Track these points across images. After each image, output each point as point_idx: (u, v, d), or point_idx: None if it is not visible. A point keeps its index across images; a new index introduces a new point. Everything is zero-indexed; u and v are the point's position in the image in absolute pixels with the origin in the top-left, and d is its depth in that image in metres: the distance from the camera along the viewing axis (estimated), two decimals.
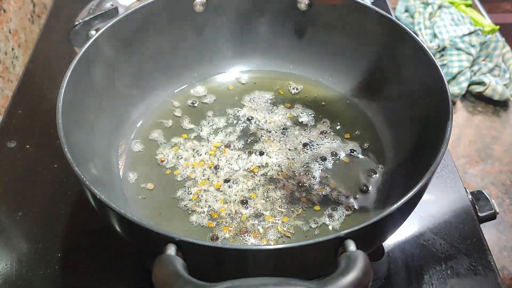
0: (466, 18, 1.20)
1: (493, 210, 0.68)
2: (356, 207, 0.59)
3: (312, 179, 0.62)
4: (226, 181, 0.61)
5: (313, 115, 0.70)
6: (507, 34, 1.21)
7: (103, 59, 0.62)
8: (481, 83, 1.08)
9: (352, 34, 0.69)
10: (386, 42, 0.65)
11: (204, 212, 0.58)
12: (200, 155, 0.65)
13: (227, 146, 0.66)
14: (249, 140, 0.67)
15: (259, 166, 0.63)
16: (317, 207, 0.59)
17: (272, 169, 0.63)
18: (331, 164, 0.64)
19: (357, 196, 0.60)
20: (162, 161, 0.64)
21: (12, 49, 0.91)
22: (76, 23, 0.81)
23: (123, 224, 0.45)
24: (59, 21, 0.97)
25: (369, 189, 0.61)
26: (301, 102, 0.72)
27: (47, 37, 0.93)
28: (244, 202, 0.59)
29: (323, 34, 0.71)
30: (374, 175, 0.63)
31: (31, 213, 0.65)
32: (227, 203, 0.59)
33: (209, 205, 0.59)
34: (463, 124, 1.05)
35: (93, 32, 0.81)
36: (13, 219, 0.64)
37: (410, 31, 0.61)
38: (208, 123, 0.69)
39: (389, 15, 0.64)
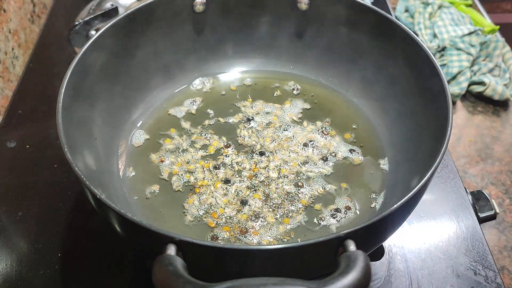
0: (466, 18, 1.20)
1: (493, 210, 0.68)
2: (356, 207, 0.59)
3: (312, 179, 0.62)
4: (226, 181, 0.61)
5: (313, 115, 0.70)
6: (507, 34, 1.21)
7: (103, 59, 0.62)
8: (481, 83, 1.08)
9: (352, 34, 0.69)
10: (386, 42, 0.65)
11: (204, 212, 0.58)
12: (200, 155, 0.65)
13: (227, 146, 0.66)
14: (250, 141, 0.67)
15: (259, 166, 0.63)
16: (317, 207, 0.59)
17: (273, 169, 0.63)
18: (331, 164, 0.64)
19: (357, 196, 0.60)
20: (162, 161, 0.64)
21: (12, 49, 0.91)
22: (76, 23, 0.81)
23: (123, 224, 0.45)
24: (59, 21, 0.97)
25: (369, 189, 0.61)
26: (301, 102, 0.72)
27: (47, 37, 0.93)
28: (244, 202, 0.59)
29: (323, 34, 0.71)
30: (374, 175, 0.63)
31: (31, 213, 0.65)
32: (227, 203, 0.59)
33: (209, 205, 0.59)
34: (463, 124, 1.05)
35: (93, 32, 0.81)
36: (13, 219, 0.64)
37: (410, 31, 0.61)
38: (208, 123, 0.69)
39: (389, 15, 0.64)
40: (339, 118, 0.70)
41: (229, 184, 0.61)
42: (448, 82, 1.07)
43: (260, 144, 0.66)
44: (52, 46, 0.91)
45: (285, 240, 0.56)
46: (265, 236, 0.56)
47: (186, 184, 0.61)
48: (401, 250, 0.62)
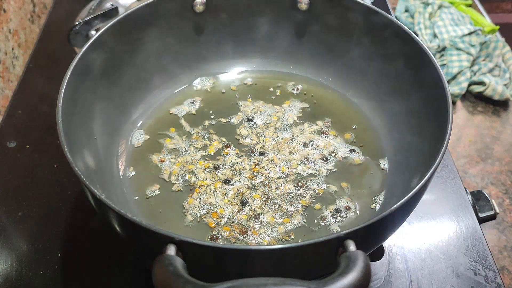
0: (466, 18, 1.20)
1: (493, 210, 0.68)
2: (356, 207, 0.59)
3: (312, 179, 0.62)
4: (226, 181, 0.61)
5: (313, 115, 0.70)
6: (507, 34, 1.21)
7: (103, 59, 0.62)
8: (481, 83, 1.08)
9: (352, 34, 0.69)
10: (386, 42, 0.65)
11: (204, 212, 0.58)
12: (200, 155, 0.65)
13: (227, 146, 0.66)
14: (250, 141, 0.67)
15: (259, 166, 0.63)
16: (317, 207, 0.59)
17: (272, 169, 0.63)
18: (331, 164, 0.64)
19: (357, 196, 0.60)
20: (162, 161, 0.64)
21: (12, 49, 0.91)
22: (76, 23, 0.81)
23: (123, 224, 0.45)
24: (59, 21, 0.97)
25: (369, 189, 0.61)
26: (301, 102, 0.72)
27: (47, 37, 0.93)
28: (244, 202, 0.59)
29: (323, 34, 0.71)
30: (374, 175, 0.63)
31: (31, 213, 0.65)
32: (227, 203, 0.59)
33: (209, 205, 0.59)
34: (463, 124, 1.05)
35: (93, 32, 0.81)
36: (13, 219, 0.64)
37: (410, 31, 0.61)
38: (208, 123, 0.69)
39: (389, 15, 0.64)
40: (339, 118, 0.70)
41: (229, 184, 0.61)
42: (448, 82, 1.07)
43: (260, 144, 0.66)
44: (52, 46, 0.91)
45: (285, 240, 0.56)
46: (265, 236, 0.56)
47: (186, 184, 0.61)
48: (401, 250, 0.62)
